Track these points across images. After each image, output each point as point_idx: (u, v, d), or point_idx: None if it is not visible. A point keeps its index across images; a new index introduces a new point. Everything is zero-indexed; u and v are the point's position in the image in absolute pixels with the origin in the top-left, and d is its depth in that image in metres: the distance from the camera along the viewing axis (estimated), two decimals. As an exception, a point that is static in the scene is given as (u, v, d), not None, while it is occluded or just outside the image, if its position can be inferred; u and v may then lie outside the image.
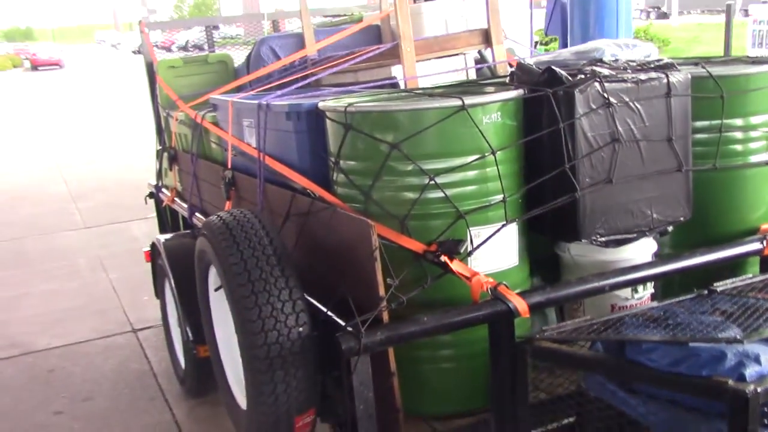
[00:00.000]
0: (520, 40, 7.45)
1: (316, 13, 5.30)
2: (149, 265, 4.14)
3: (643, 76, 2.32)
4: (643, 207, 2.37)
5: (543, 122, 2.30)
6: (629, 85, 2.30)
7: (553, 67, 2.32)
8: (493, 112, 2.21)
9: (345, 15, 5.10)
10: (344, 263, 2.24)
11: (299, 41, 4.15)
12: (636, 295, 2.52)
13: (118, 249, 6.54)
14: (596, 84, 2.26)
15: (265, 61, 4.13)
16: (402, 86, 3.18)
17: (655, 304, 2.38)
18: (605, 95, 2.26)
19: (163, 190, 4.57)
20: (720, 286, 2.32)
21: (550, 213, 2.29)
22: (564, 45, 7.47)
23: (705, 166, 2.50)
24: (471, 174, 2.20)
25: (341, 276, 2.25)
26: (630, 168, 2.32)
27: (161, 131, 4.65)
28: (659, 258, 2.54)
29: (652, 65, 2.44)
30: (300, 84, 3.37)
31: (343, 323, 2.02)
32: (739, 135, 2.57)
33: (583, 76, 2.28)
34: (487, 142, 2.18)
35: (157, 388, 3.95)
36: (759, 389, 1.75)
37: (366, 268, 2.09)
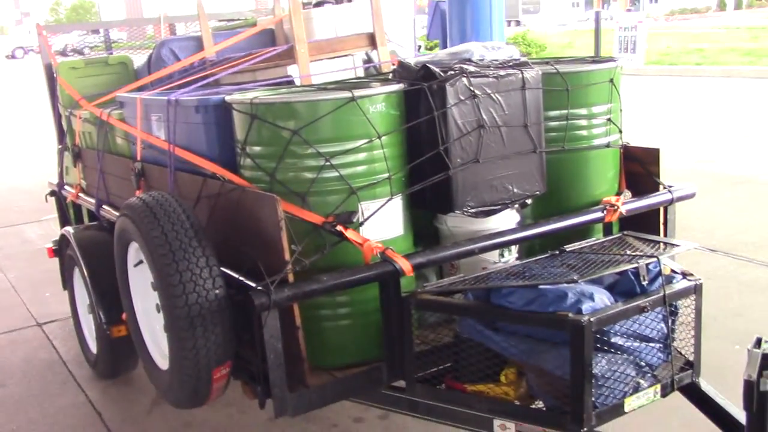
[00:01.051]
0: (405, 43, 7.95)
1: (212, 17, 5.57)
2: (49, 263, 4.30)
3: (502, 72, 2.77)
4: (505, 183, 2.82)
5: (421, 112, 2.71)
6: (491, 79, 2.74)
7: (428, 65, 2.73)
8: (379, 103, 2.59)
9: (239, 19, 5.39)
10: (254, 235, 2.57)
11: (198, 44, 4.42)
12: (503, 259, 2.98)
13: (13, 251, 6.56)
14: (464, 79, 2.69)
15: (165, 62, 4.37)
16: (298, 83, 3.53)
17: (516, 263, 2.84)
18: (471, 88, 2.69)
19: (66, 187, 4.72)
20: (569, 247, 2.80)
21: (429, 189, 2.70)
22: (444, 48, 8.04)
23: (555, 148, 2.98)
24: (361, 156, 2.58)
25: (251, 246, 2.58)
26: (494, 150, 2.76)
27: (62, 131, 4.80)
28: (518, 226, 3.01)
29: (511, 63, 2.90)
30: (200, 83, 3.66)
31: (254, 285, 2.36)
32: (583, 122, 3.08)
33: (453, 72, 2.70)
34: (374, 128, 2.56)
35: (68, 373, 4.13)
36: (592, 319, 2.22)
37: (273, 237, 2.43)
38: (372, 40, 3.73)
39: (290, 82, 3.52)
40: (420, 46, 7.65)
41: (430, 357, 2.63)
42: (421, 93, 2.67)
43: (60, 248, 4.18)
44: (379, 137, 2.57)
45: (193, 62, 4.34)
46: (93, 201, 4.13)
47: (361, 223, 2.59)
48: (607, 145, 3.14)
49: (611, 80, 3.09)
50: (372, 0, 3.72)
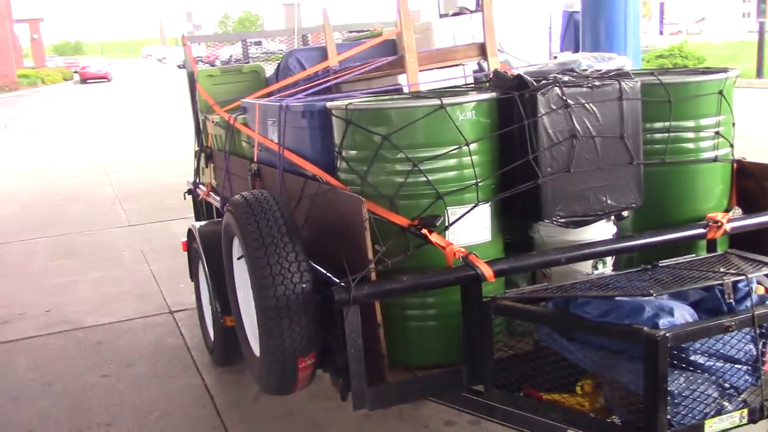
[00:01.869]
0: (539, 53, 7.89)
1: (343, 28, 5.81)
2: (186, 256, 4.67)
3: (598, 82, 2.75)
4: (598, 194, 2.79)
5: (513, 120, 2.74)
6: (585, 89, 2.73)
7: (522, 74, 2.77)
8: (468, 111, 2.65)
9: (367, 30, 5.60)
10: (343, 234, 2.70)
11: (323, 53, 4.64)
12: (596, 271, 2.94)
13: (159, 244, 7.11)
14: (556, 88, 2.70)
15: (292, 71, 4.62)
16: (406, 92, 3.64)
17: (605, 276, 2.80)
18: (564, 98, 2.70)
19: (200, 186, 5.09)
20: (663, 262, 2.73)
21: (519, 197, 2.73)
22: (576, 60, 7.89)
23: (654, 160, 2.92)
24: (449, 162, 2.65)
25: (341, 245, 2.71)
26: (586, 160, 2.75)
27: (199, 133, 5.18)
28: (616, 237, 2.96)
29: (610, 74, 2.87)
30: (319, 89, 3.87)
31: (337, 281, 2.49)
32: (689, 135, 2.98)
33: (545, 82, 2.72)
34: (463, 135, 2.62)
35: (189, 358, 4.45)
36: (668, 335, 2.17)
37: (358, 237, 2.55)
38: (483, 51, 3.79)
39: (398, 91, 3.64)
40: (555, 57, 7.55)
41: (509, 363, 2.66)
42: (513, 102, 2.71)
43: (189, 242, 4.52)
44: (467, 144, 2.63)
45: (317, 71, 4.58)
46: (218, 199, 4.44)
47: (447, 227, 2.65)
48: (715, 159, 3.02)
49: (721, 92, 2.98)
50: (484, 10, 3.77)
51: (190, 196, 5.50)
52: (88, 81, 47.81)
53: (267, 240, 2.57)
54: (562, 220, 2.77)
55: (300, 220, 2.89)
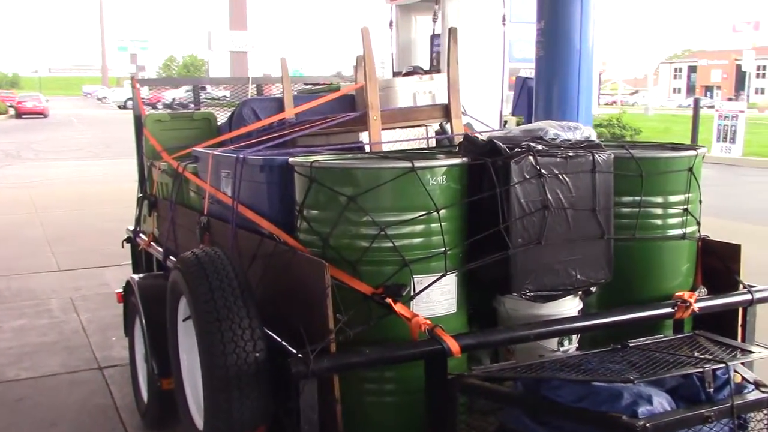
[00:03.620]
0: (491, 118, 7.93)
1: (299, 80, 5.70)
2: (119, 308, 4.38)
3: (572, 153, 2.68)
4: (568, 267, 2.69)
5: (484, 187, 2.63)
6: (559, 159, 2.65)
7: (495, 140, 2.67)
8: (439, 175, 2.53)
9: (324, 84, 5.49)
10: (301, 300, 2.52)
11: (279, 105, 4.50)
12: (561, 348, 2.82)
13: (90, 292, 6.74)
14: (530, 157, 2.60)
15: (246, 120, 4.46)
16: (367, 150, 3.52)
17: (575, 354, 2.68)
18: (538, 167, 2.60)
19: (141, 235, 4.83)
20: (633, 342, 2.63)
21: (487, 268, 2.60)
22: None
23: (625, 235, 2.84)
24: (417, 228, 2.51)
25: (299, 311, 2.53)
26: (558, 232, 2.65)
27: (143, 180, 4.94)
28: (580, 314, 2.85)
29: (582, 145, 2.80)
30: (276, 143, 3.71)
31: (294, 351, 2.30)
32: (658, 211, 2.93)
33: (519, 150, 2.63)
34: (433, 200, 2.50)
35: (118, 420, 4.13)
36: (647, 424, 2.05)
37: (318, 304, 2.37)
38: (446, 112, 3.70)
39: (360, 149, 3.51)
40: (506, 122, 7.60)
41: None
42: (485, 168, 2.60)
43: (126, 295, 4.24)
44: (437, 210, 2.51)
45: (272, 123, 4.43)
46: (161, 250, 4.20)
47: (412, 297, 2.50)
48: (683, 237, 2.97)
49: (690, 169, 2.94)
50: (450, 71, 3.70)
51: (129, 244, 5.22)
52: (23, 116, 46.49)
53: (219, 303, 2.37)
54: (531, 293, 2.66)
55: (253, 281, 2.71)
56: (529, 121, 7.16)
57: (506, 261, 2.59)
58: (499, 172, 2.59)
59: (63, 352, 5.20)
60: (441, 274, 2.53)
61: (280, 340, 2.48)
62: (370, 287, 2.47)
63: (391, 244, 2.48)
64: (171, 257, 4.01)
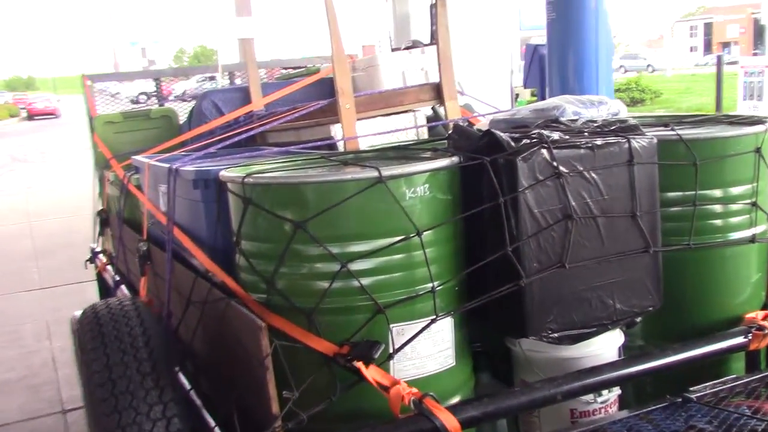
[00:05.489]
0: (501, 94, 7.13)
1: (275, 65, 5.00)
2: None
3: (599, 141, 1.97)
4: (603, 296, 1.99)
5: (484, 194, 1.94)
6: (583, 151, 1.94)
7: (493, 131, 1.96)
8: (419, 185, 1.84)
9: (304, 67, 4.79)
10: (239, 367, 1.85)
11: (245, 95, 3.83)
12: (600, 399, 2.12)
13: (68, 313, 6.12)
14: (543, 151, 1.90)
15: (207, 117, 3.79)
16: (341, 148, 2.82)
17: (620, 414, 1.98)
18: (554, 164, 1.90)
19: (100, 255, 4.20)
20: (696, 391, 1.94)
21: (495, 303, 1.91)
22: (542, 99, 7.20)
23: (677, 245, 2.13)
24: (393, 259, 1.83)
25: (238, 377, 1.86)
26: (587, 250, 1.95)
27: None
28: (626, 356, 2.15)
29: (613, 127, 2.09)
30: (234, 141, 3.05)
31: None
32: (717, 208, 2.21)
33: (527, 142, 1.92)
34: (411, 220, 1.81)
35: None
36: None
37: (258, 378, 1.70)
38: (438, 93, 2.99)
39: (331, 146, 2.82)
40: (517, 95, 6.86)
41: None
42: (483, 170, 1.90)
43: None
44: (419, 234, 1.81)
45: (238, 117, 3.75)
46: (114, 277, 3.56)
47: (392, 355, 1.82)
48: (752, 240, 2.24)
49: (758, 150, 2.22)
50: (439, 42, 2.98)
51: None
52: (35, 117, 46.14)
53: (119, 386, 1.70)
54: (555, 335, 1.96)
55: (189, 333, 2.04)
56: (542, 93, 6.40)
57: (519, 294, 1.89)
58: (502, 173, 1.89)
59: (26, 393, 4.59)
60: (430, 319, 1.85)
61: (211, 421, 1.81)
62: (332, 345, 1.79)
63: (358, 284, 1.79)
64: (122, 288, 3.36)
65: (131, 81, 5.49)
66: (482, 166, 1.90)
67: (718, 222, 2.22)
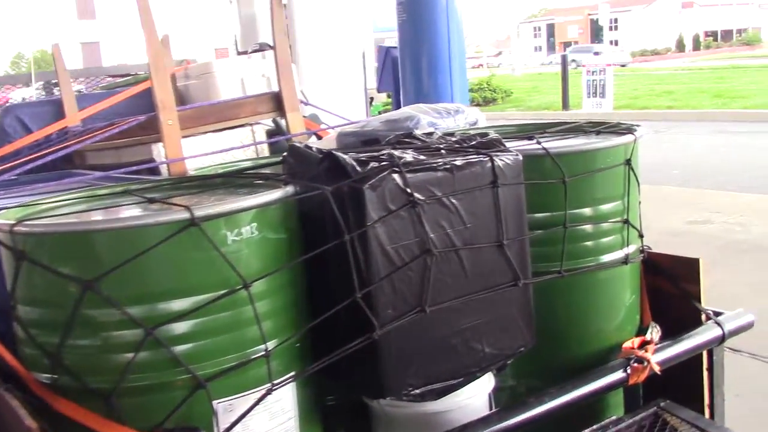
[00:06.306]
0: (354, 100, 6.81)
1: (101, 72, 4.46)
2: None
3: (459, 162, 1.68)
4: (470, 340, 1.71)
5: (327, 229, 1.61)
6: (441, 173, 1.65)
7: (335, 153, 1.63)
8: (245, 225, 1.48)
9: (130, 75, 4.29)
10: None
11: (58, 109, 3.31)
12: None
13: None
14: (395, 175, 1.59)
15: (11, 135, 3.25)
16: (164, 172, 2.41)
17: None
18: (408, 190, 1.60)
19: None
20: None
21: (345, 361, 1.58)
22: (397, 103, 6.97)
23: (547, 273, 1.89)
24: (215, 319, 1.46)
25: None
26: (449, 289, 1.66)
27: None
28: (498, 408, 1.89)
29: (473, 142, 1.82)
30: (47, 164, 2.57)
31: None
32: (588, 229, 1.99)
33: (377, 164, 1.61)
34: (235, 270, 1.44)
35: None
36: None
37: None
38: (278, 104, 2.63)
39: (153, 170, 2.40)
40: (372, 99, 6.61)
41: None
42: (324, 201, 1.57)
43: None
44: (246, 286, 1.45)
45: (49, 134, 3.24)
46: None
47: (218, 439, 1.45)
48: (624, 261, 2.05)
49: (628, 161, 2.02)
50: (277, 48, 2.62)
51: None
52: None
53: None
54: (417, 391, 1.66)
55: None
56: (397, 96, 6.17)
57: (372, 349, 1.58)
58: (347, 204, 1.57)
59: None
60: (265, 388, 1.50)
61: None
62: (139, 434, 1.40)
63: (168, 355, 1.41)
64: None
65: (17, 86, 4.72)
66: (322, 197, 1.56)
67: (589, 244, 2.00)
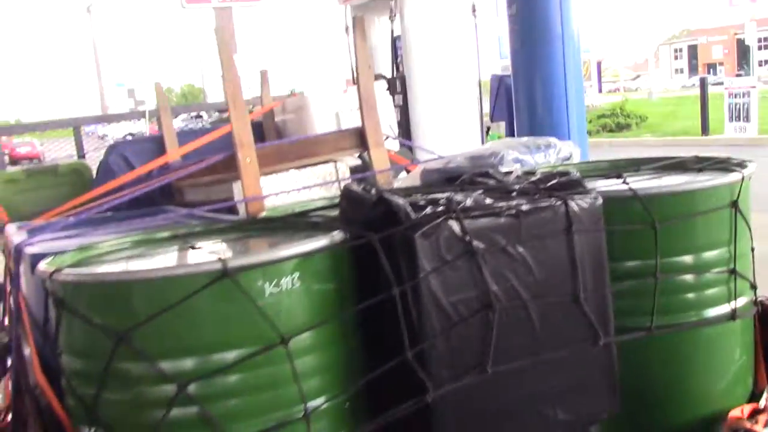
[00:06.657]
0: (471, 130, 6.67)
1: (205, 108, 4.57)
2: None
3: (526, 206, 1.52)
4: (541, 406, 1.53)
5: (380, 279, 1.48)
6: (504, 219, 1.49)
7: (388, 197, 1.51)
8: (285, 276, 1.38)
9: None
10: None
11: (160, 146, 3.39)
12: None
13: None
14: (452, 222, 1.45)
15: (115, 172, 3.34)
16: (242, 210, 2.37)
17: None
18: (467, 237, 1.45)
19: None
20: None
21: (397, 423, 1.45)
22: (510, 131, 6.76)
23: (636, 329, 1.67)
24: (252, 376, 1.37)
25: None
26: (516, 347, 1.49)
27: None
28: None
29: (552, 182, 1.65)
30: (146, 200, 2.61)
31: None
32: (687, 279, 1.76)
33: (432, 210, 1.47)
34: (274, 325, 1.35)
35: None
36: None
37: None
38: (362, 139, 2.54)
39: (232, 209, 2.37)
40: (488, 129, 6.45)
41: None
42: (374, 250, 1.45)
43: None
44: (284, 341, 1.35)
45: (151, 170, 3.30)
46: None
47: (252, 507, 1.35)
48: (732, 316, 1.79)
49: (734, 203, 1.77)
50: (360, 80, 2.54)
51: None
52: (19, 162, 45.78)
53: None
54: (478, 461, 1.50)
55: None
56: (511, 128, 5.98)
57: (425, 413, 1.43)
58: (399, 253, 1.44)
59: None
60: (306, 453, 1.38)
61: None
62: (169, 498, 1.32)
63: (200, 411, 1.33)
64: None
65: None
66: (371, 246, 1.44)
67: (689, 296, 1.77)
